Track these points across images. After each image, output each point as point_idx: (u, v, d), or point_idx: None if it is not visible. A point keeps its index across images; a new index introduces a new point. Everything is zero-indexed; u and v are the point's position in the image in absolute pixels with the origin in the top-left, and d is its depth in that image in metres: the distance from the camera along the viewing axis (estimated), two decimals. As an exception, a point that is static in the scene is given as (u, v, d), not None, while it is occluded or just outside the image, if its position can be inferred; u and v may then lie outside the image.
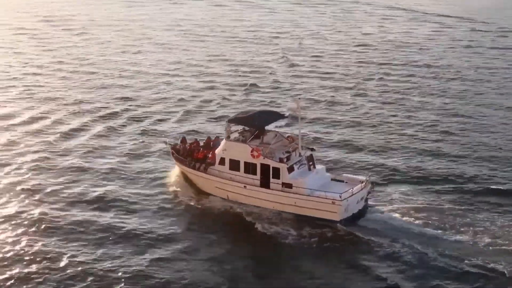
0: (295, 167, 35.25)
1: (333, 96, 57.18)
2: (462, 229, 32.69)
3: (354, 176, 36.23)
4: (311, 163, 36.12)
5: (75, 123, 49.74)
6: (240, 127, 37.32)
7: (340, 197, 33.22)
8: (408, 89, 60.69)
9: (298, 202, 34.27)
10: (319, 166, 36.72)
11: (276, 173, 34.87)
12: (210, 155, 37.41)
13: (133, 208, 35.56)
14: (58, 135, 46.99)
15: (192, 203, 36.41)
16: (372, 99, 57.08)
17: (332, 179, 36.02)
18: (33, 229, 33.02)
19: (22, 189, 37.62)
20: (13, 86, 60.89)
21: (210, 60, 73.05)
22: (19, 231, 32.82)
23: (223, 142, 36.94)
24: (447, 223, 33.26)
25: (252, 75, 65.20)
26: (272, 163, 34.96)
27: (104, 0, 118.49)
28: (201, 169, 37.36)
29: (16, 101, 55.71)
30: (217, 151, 37.04)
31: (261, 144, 35.64)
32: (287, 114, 38.47)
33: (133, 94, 58.55)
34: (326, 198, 33.54)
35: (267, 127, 37.58)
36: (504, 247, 30.91)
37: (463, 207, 35.42)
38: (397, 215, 34.22)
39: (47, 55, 74.23)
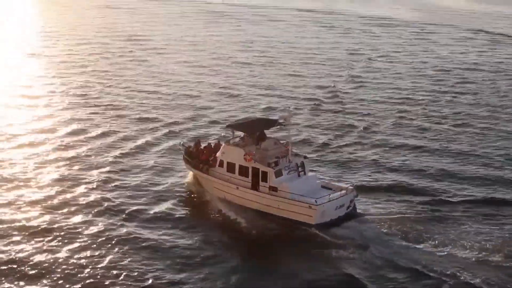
0: (284, 172, 37.11)
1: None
2: (436, 239, 33.65)
3: (341, 184, 37.85)
4: (301, 170, 37.84)
5: (150, 139, 50.47)
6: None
7: (316, 202, 34.80)
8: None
9: (280, 205, 36.32)
10: (310, 173, 38.39)
11: (264, 176, 37.03)
12: (212, 158, 40.10)
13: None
14: (133, 150, 47.65)
15: (190, 203, 39.20)
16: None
17: (322, 186, 37.37)
18: (118, 247, 32.76)
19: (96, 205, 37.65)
20: (92, 103, 61.06)
21: (281, 76, 74.43)
22: (103, 249, 32.53)
23: (222, 146, 39.71)
24: (428, 233, 34.37)
25: (318, 93, 65.11)
26: (261, 167, 37.07)
27: (187, 21, 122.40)
28: (204, 170, 39.96)
29: (94, 118, 56.20)
30: (217, 154, 39.71)
31: (257, 149, 37.85)
32: (281, 121, 39.44)
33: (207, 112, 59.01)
34: (303, 203, 35.25)
35: (269, 134, 40.15)
36: (481, 259, 31.83)
37: (445, 219, 36.43)
38: (377, 224, 35.41)
39: (127, 73, 75.58)
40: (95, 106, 59.67)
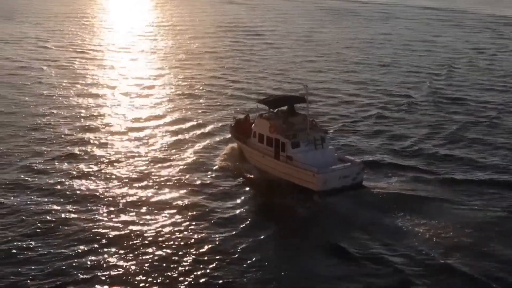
0: (302, 144, 41.78)
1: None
2: (436, 221, 36.04)
3: (352, 158, 42.75)
4: (319, 143, 42.25)
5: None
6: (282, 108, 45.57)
7: (318, 171, 39.63)
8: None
9: (293, 172, 41.20)
10: (329, 147, 42.99)
11: (283, 146, 41.96)
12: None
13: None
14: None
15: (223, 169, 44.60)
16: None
17: (339, 159, 42.20)
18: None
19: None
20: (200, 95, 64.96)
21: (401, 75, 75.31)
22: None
23: (256, 118, 45.52)
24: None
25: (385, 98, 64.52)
26: (281, 138, 42.18)
27: (308, 18, 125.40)
28: (242, 140, 45.94)
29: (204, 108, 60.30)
30: (252, 125, 45.35)
31: (284, 123, 43.12)
32: (308, 99, 43.81)
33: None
34: (308, 171, 40.16)
35: (297, 110, 45.35)
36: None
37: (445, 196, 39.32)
38: (381, 197, 39.24)
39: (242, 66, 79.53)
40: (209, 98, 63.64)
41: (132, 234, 34.42)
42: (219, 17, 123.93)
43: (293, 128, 42.53)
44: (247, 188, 41.43)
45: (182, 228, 35.34)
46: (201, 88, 67.17)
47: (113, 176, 42.41)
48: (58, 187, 40.79)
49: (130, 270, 30.93)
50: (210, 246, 33.33)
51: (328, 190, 39.45)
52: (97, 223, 35.77)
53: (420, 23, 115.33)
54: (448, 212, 37.13)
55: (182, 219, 36.33)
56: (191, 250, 32.81)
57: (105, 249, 32.79)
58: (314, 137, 42.23)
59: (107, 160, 45.30)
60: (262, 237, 34.69)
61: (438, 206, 38.02)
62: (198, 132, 52.30)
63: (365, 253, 32.85)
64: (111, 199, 39.04)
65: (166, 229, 35.01)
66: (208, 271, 30.97)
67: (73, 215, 36.67)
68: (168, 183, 41.50)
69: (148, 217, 36.52)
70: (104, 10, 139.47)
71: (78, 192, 39.97)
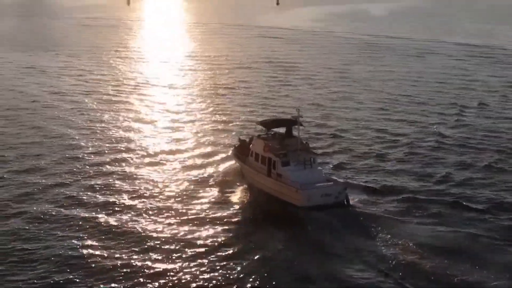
0: (292, 163, 45.80)
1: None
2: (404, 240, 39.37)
3: (336, 179, 47.15)
4: (308, 164, 46.21)
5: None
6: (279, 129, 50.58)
7: (300, 187, 43.77)
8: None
9: (281, 188, 45.30)
10: (318, 168, 47.40)
11: (274, 165, 46.24)
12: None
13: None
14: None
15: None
16: None
17: (326, 180, 45.94)
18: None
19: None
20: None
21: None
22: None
23: (254, 139, 50.02)
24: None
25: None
26: (273, 157, 46.39)
27: (343, 53, 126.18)
28: (241, 159, 50.42)
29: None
30: (250, 146, 49.78)
31: (278, 144, 47.38)
32: (299, 122, 48.15)
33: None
34: (292, 187, 44.21)
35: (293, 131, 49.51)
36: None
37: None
38: (362, 216, 42.85)
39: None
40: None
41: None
42: (255, 50, 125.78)
43: (285, 148, 46.59)
44: (238, 203, 46.03)
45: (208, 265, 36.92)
46: (234, 121, 69.09)
47: (141, 209, 44.47)
48: (90, 219, 42.72)
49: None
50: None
51: (310, 206, 43.21)
52: (123, 259, 37.31)
53: (457, 60, 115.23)
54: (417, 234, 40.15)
55: (211, 257, 37.77)
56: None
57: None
58: (304, 158, 46.27)
59: (134, 193, 47.55)
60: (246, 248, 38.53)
61: (413, 228, 41.15)
62: (223, 165, 54.23)
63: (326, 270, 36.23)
64: (137, 232, 40.81)
65: (194, 269, 36.31)
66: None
67: (100, 250, 38.28)
68: (193, 217, 43.31)
69: (175, 255, 37.98)
70: (141, 42, 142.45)
71: (106, 225, 41.88)
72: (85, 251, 37.94)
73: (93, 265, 36.35)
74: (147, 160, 55.31)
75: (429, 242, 38.98)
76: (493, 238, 39.77)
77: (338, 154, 57.25)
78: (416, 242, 38.77)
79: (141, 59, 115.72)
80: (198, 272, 35.51)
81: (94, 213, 43.48)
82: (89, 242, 39.13)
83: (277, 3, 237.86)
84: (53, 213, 43.57)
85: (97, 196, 46.67)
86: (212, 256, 37.37)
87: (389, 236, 39.86)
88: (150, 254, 37.61)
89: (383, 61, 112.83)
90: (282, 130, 50.44)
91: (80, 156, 56.42)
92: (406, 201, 45.97)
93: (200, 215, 43.27)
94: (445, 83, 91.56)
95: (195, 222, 42.04)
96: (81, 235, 40.14)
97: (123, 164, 54.14)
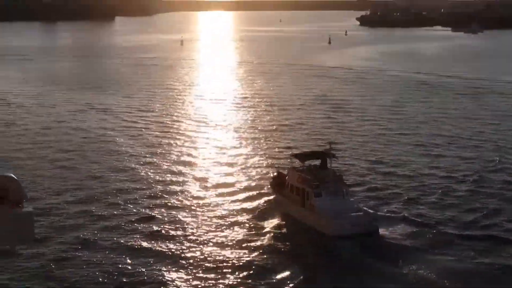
0: (324, 194, 48.05)
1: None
2: None
3: (366, 209, 49.24)
4: (340, 194, 48.60)
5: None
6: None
7: (332, 217, 46.27)
8: None
9: (313, 218, 47.83)
10: (350, 199, 49.77)
11: (308, 195, 48.57)
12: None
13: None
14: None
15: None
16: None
17: (357, 210, 48.04)
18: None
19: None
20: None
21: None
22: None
23: (289, 171, 52.38)
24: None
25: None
26: (306, 188, 48.61)
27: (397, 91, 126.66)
28: (277, 190, 53.19)
29: None
30: (286, 177, 52.24)
31: (312, 175, 49.44)
32: (331, 154, 52.15)
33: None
34: (324, 217, 46.65)
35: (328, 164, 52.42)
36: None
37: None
38: (389, 246, 45.39)
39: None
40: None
41: None
42: (307, 89, 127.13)
43: (318, 180, 48.61)
44: (274, 232, 48.86)
45: None
46: (283, 157, 70.31)
47: (184, 236, 48.51)
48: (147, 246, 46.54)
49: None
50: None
51: (340, 235, 45.56)
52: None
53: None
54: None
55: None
56: None
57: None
58: (336, 188, 48.32)
59: (179, 223, 51.39)
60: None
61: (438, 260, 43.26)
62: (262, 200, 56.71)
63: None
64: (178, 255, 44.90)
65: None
66: None
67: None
68: (231, 244, 47.07)
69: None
70: (196, 80, 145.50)
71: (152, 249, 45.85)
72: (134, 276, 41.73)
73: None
74: (196, 191, 59.19)
75: (453, 277, 41.02)
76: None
77: (374, 186, 60.15)
78: (440, 276, 40.86)
79: (196, 97, 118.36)
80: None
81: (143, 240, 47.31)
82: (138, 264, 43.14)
83: (329, 43, 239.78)
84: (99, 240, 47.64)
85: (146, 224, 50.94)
86: (242, 279, 41.28)
87: (412, 267, 41.92)
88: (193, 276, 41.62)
89: (435, 100, 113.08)
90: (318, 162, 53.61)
91: (136, 186, 60.70)
92: (436, 234, 47.80)
93: (237, 240, 47.29)
94: (500, 123, 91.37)
95: (232, 248, 45.88)
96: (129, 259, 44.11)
97: (171, 195, 58.19)
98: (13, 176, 23.84)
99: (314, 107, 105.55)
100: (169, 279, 41.37)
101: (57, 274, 41.78)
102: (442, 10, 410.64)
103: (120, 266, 42.91)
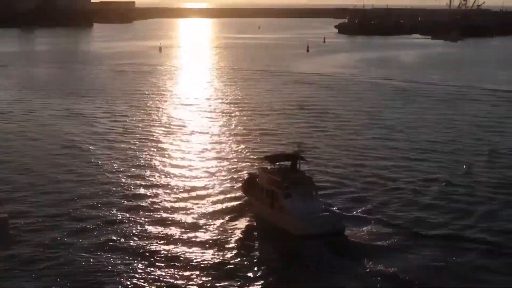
0: (294, 195, 49.17)
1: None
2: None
3: (334, 209, 50.26)
4: (309, 196, 49.79)
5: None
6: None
7: (298, 217, 47.47)
8: None
9: (281, 219, 48.96)
10: (319, 200, 50.89)
11: (277, 197, 49.68)
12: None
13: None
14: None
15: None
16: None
17: (325, 210, 49.08)
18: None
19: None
20: None
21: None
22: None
23: (260, 172, 53.65)
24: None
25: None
26: (276, 189, 49.87)
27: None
28: (248, 192, 54.74)
29: None
30: (257, 179, 53.37)
31: (282, 177, 50.30)
32: (300, 156, 53.55)
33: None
34: (291, 218, 47.84)
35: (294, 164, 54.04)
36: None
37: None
38: (357, 246, 46.70)
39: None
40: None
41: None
42: (286, 95, 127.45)
43: (288, 181, 49.49)
44: (243, 232, 50.36)
45: None
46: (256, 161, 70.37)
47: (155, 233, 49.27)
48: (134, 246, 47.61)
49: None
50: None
51: (307, 235, 46.60)
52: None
53: (489, 105, 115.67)
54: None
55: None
56: None
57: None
58: (304, 190, 49.26)
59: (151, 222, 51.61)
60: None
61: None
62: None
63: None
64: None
65: None
66: None
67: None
68: (199, 241, 47.41)
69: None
70: (175, 87, 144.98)
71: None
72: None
73: None
74: (169, 194, 60.36)
75: (420, 274, 42.49)
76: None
77: (346, 189, 61.67)
78: (406, 274, 42.21)
79: (173, 104, 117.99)
80: None
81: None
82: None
83: (307, 50, 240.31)
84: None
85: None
86: (210, 278, 42.96)
87: (379, 266, 43.09)
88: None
89: (413, 106, 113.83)
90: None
91: (115, 193, 60.75)
92: (404, 235, 49.19)
93: (205, 241, 48.97)
94: (477, 128, 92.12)
95: (201, 248, 47.58)
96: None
97: (143, 198, 59.43)
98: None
99: (292, 113, 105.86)
100: (139, 276, 43.05)
101: (33, 274, 43.00)
102: (420, 18, 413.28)
103: (91, 264, 44.56)
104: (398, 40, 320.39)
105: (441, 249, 46.95)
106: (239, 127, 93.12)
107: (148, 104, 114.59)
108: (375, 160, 73.58)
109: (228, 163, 71.98)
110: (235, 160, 73.42)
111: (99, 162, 71.39)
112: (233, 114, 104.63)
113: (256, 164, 67.16)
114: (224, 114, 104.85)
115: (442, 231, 50.87)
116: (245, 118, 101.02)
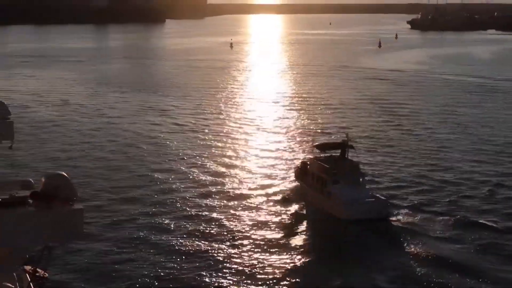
0: (341, 181, 51.29)
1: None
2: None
3: (379, 196, 51.77)
4: (357, 183, 51.78)
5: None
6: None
7: (345, 202, 49.43)
8: None
9: (329, 204, 50.97)
10: (366, 187, 52.87)
11: (325, 183, 51.76)
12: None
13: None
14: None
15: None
16: None
17: (372, 197, 50.92)
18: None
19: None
20: None
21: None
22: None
23: (311, 160, 55.69)
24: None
25: None
26: (325, 176, 52.00)
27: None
28: (300, 178, 56.60)
29: None
30: (308, 166, 55.38)
31: (332, 164, 52.58)
32: (348, 144, 55.01)
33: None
34: (339, 202, 49.78)
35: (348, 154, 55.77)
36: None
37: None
38: (400, 232, 47.86)
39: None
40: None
41: None
42: (358, 91, 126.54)
43: (336, 168, 51.57)
44: (295, 218, 51.85)
45: None
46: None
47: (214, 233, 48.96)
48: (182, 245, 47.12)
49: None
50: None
51: (353, 220, 48.68)
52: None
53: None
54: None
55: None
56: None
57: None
58: (352, 177, 51.19)
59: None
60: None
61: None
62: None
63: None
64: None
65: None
66: None
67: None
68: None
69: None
70: (247, 82, 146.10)
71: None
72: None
73: None
74: (234, 187, 61.12)
75: (457, 259, 43.38)
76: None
77: (395, 177, 63.29)
78: (444, 259, 43.14)
79: (245, 99, 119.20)
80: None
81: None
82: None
83: (379, 46, 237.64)
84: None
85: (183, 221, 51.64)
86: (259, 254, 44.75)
87: (417, 250, 44.37)
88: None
89: (488, 104, 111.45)
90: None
91: (182, 186, 61.53)
92: (447, 221, 50.03)
93: (260, 220, 51.46)
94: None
95: (254, 228, 49.64)
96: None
97: (213, 194, 59.08)
98: (64, 174, 23.87)
99: (364, 108, 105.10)
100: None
101: (106, 269, 42.63)
102: (496, 14, 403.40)
103: (164, 265, 43.17)
104: (472, 35, 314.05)
105: (487, 237, 47.41)
106: (310, 122, 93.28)
107: (220, 100, 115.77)
108: (444, 158, 71.82)
109: (292, 153, 74.09)
110: (299, 151, 75.27)
111: (175, 159, 71.78)
112: (305, 109, 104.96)
113: (308, 152, 68.62)
114: (295, 110, 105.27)
115: (489, 219, 50.98)
116: (317, 113, 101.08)
